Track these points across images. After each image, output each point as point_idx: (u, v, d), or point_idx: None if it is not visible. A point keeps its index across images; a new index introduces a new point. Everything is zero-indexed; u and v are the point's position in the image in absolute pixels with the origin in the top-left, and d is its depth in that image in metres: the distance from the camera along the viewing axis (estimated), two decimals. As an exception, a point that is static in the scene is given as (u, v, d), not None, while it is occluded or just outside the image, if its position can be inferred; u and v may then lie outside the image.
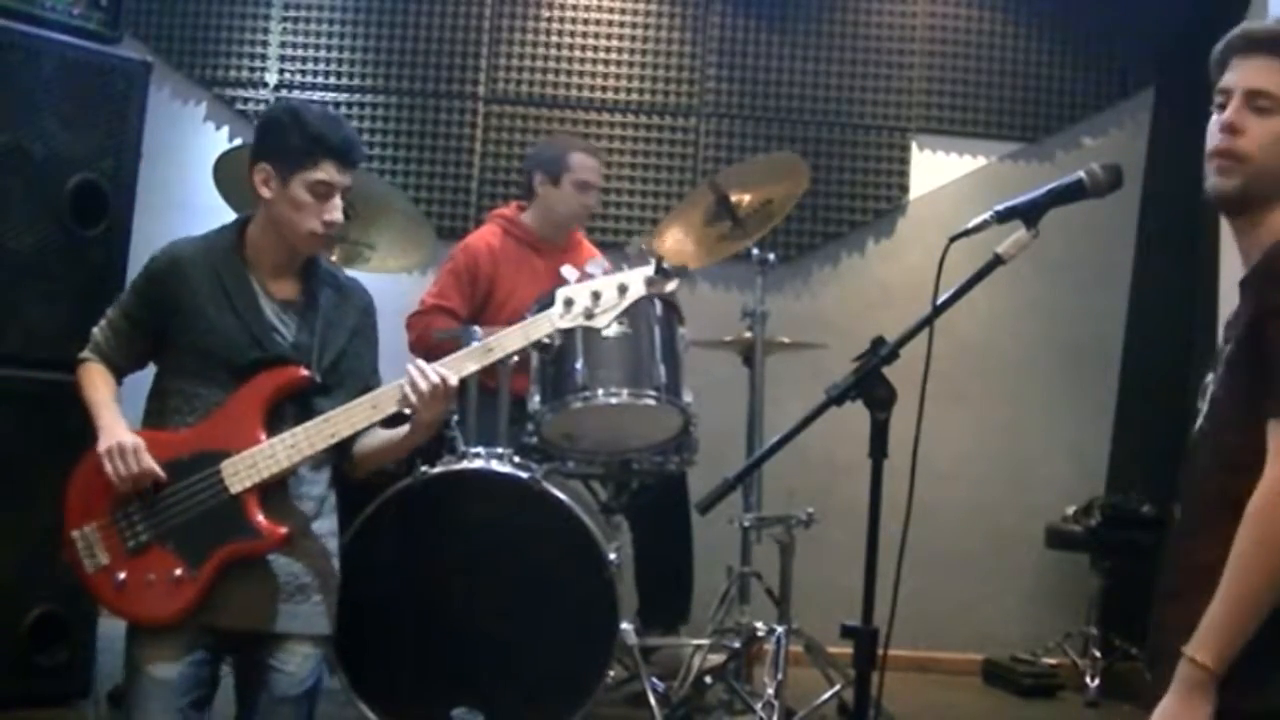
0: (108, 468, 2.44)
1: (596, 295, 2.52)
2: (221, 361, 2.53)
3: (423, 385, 2.48)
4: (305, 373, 2.55)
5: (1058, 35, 5.07)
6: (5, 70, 3.30)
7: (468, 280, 4.04)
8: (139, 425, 2.57)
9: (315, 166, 2.54)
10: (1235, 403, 1.75)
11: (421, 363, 2.52)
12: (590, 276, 2.53)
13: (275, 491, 2.51)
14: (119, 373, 2.65)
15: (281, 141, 2.56)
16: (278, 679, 2.51)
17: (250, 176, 2.60)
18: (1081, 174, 1.96)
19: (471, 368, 2.57)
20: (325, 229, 2.57)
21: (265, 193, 2.57)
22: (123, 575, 2.45)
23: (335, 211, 2.57)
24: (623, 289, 2.52)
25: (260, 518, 2.46)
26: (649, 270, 2.53)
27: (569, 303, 2.52)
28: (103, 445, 2.46)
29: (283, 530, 2.48)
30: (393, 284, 4.51)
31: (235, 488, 2.46)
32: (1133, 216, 4.93)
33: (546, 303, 3.49)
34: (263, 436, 2.49)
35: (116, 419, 2.53)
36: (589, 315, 2.52)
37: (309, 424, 2.49)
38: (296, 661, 2.53)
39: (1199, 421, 1.85)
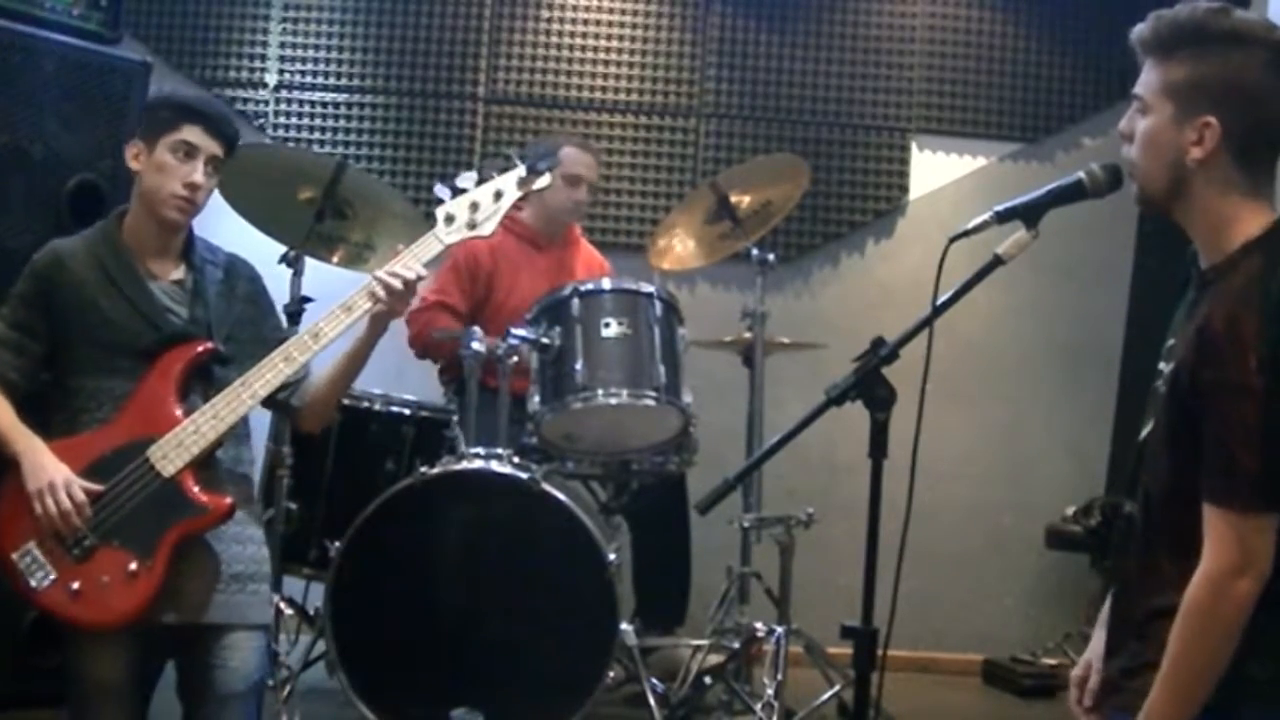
0: (38, 509, 2.38)
1: (475, 205, 2.59)
2: (121, 350, 2.50)
3: (397, 285, 2.49)
4: (209, 345, 2.54)
5: (1058, 35, 5.07)
6: (5, 70, 3.30)
7: (468, 277, 4.04)
8: (44, 433, 2.49)
9: (178, 129, 2.53)
10: (1165, 441, 1.77)
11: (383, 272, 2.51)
12: (463, 191, 2.59)
13: (206, 473, 2.48)
14: (13, 388, 2.52)
15: (151, 116, 2.59)
16: (223, 676, 2.48)
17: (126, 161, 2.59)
18: (1081, 174, 1.96)
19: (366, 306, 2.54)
20: (185, 191, 2.54)
21: (135, 166, 2.57)
22: (76, 584, 2.39)
23: (195, 173, 2.54)
24: (498, 194, 2.60)
25: (201, 493, 2.44)
26: (520, 171, 2.62)
27: (450, 218, 2.58)
28: (33, 485, 2.39)
29: (227, 500, 2.45)
30: (392, 284, 4.51)
31: (168, 470, 2.43)
32: (1133, 216, 4.92)
33: (544, 300, 3.54)
34: (181, 415, 2.46)
35: (33, 445, 2.44)
36: (472, 225, 2.58)
37: (226, 390, 2.47)
38: (240, 656, 2.50)
39: (1149, 427, 1.85)
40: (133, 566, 2.40)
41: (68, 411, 2.51)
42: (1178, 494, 1.73)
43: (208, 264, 2.65)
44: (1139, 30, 1.83)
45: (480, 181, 2.60)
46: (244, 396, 2.47)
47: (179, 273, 2.62)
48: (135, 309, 2.52)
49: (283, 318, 2.86)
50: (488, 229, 2.60)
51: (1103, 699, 1.85)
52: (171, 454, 2.43)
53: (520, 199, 4.17)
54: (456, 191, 2.58)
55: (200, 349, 2.53)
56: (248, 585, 2.54)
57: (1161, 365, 1.83)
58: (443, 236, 2.57)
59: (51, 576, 2.41)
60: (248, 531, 2.57)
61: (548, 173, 2.68)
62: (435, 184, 2.66)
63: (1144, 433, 1.86)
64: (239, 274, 2.70)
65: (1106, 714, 1.83)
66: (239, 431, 2.57)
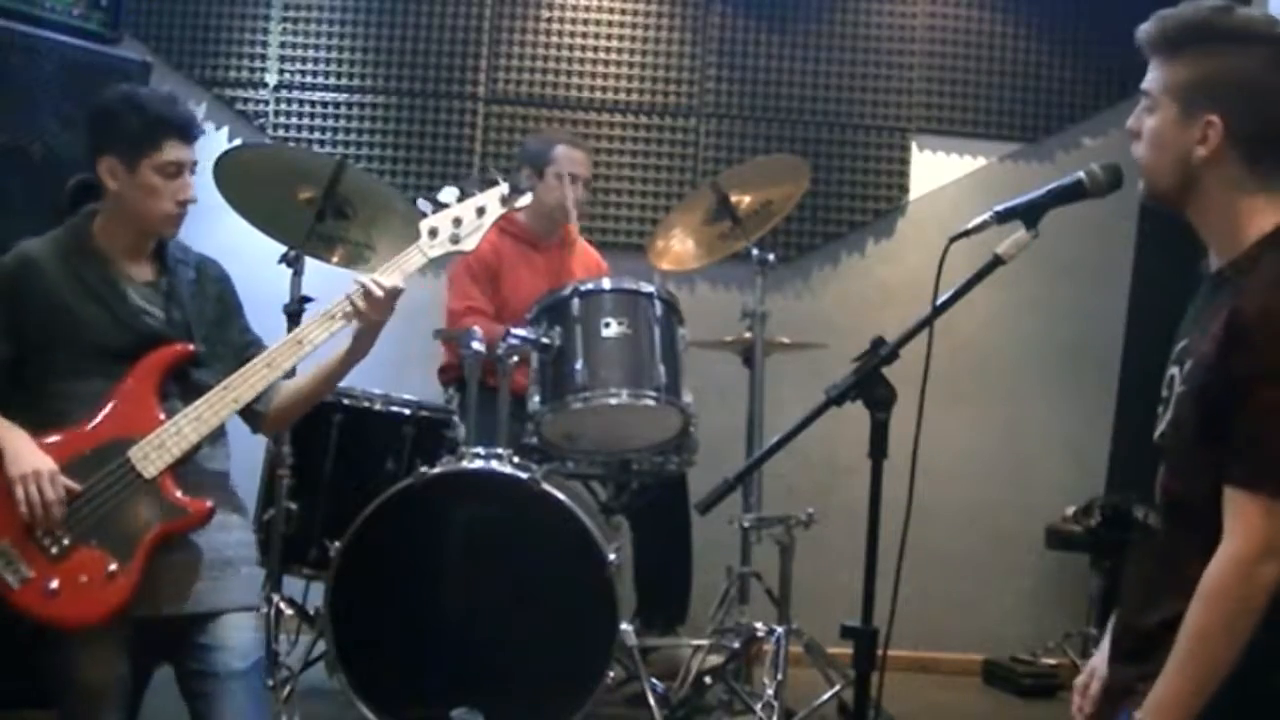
0: (19, 495, 2.35)
1: (458, 220, 2.64)
2: (95, 353, 2.49)
3: (377, 292, 2.54)
4: (189, 347, 2.54)
5: (1058, 35, 5.07)
6: (5, 70, 3.31)
7: (485, 278, 4.07)
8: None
9: (160, 148, 2.53)
10: (1198, 441, 1.74)
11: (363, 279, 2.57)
12: (445, 206, 2.64)
13: (184, 474, 2.48)
14: None
15: (122, 129, 2.54)
16: (220, 656, 2.46)
17: (95, 171, 2.57)
18: (1081, 174, 1.96)
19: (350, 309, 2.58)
20: (179, 209, 2.56)
21: (112, 184, 2.55)
22: (55, 583, 2.37)
23: (187, 190, 2.57)
24: (481, 210, 2.65)
25: (182, 495, 2.44)
26: (503, 189, 2.67)
27: (434, 232, 2.64)
28: (15, 470, 2.36)
29: (207, 503, 2.45)
30: (392, 284, 4.51)
31: (149, 471, 2.42)
32: (1133, 216, 4.93)
33: (545, 300, 3.54)
34: (162, 416, 2.46)
35: (15, 433, 2.41)
36: (455, 240, 2.64)
37: (209, 394, 2.48)
38: (237, 635, 2.49)
39: (1162, 426, 1.83)
40: (112, 567, 2.39)
41: (41, 414, 2.48)
42: (1218, 493, 1.69)
43: (180, 264, 2.66)
44: (1144, 29, 1.83)
45: (462, 197, 2.64)
46: (227, 400, 2.48)
47: (152, 274, 2.63)
48: (109, 311, 2.52)
49: (284, 319, 2.85)
50: (470, 244, 2.65)
51: (1115, 703, 1.84)
52: (153, 455, 2.43)
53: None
54: (438, 206, 2.61)
55: (180, 351, 2.54)
56: (241, 569, 2.55)
57: (1172, 370, 1.83)
58: (426, 250, 2.62)
59: (28, 575, 2.39)
60: (229, 519, 2.57)
61: (530, 192, 2.74)
62: (418, 198, 2.73)
63: (1157, 435, 1.85)
64: (209, 274, 2.72)
65: (1117, 718, 1.82)
66: (216, 436, 2.57)
